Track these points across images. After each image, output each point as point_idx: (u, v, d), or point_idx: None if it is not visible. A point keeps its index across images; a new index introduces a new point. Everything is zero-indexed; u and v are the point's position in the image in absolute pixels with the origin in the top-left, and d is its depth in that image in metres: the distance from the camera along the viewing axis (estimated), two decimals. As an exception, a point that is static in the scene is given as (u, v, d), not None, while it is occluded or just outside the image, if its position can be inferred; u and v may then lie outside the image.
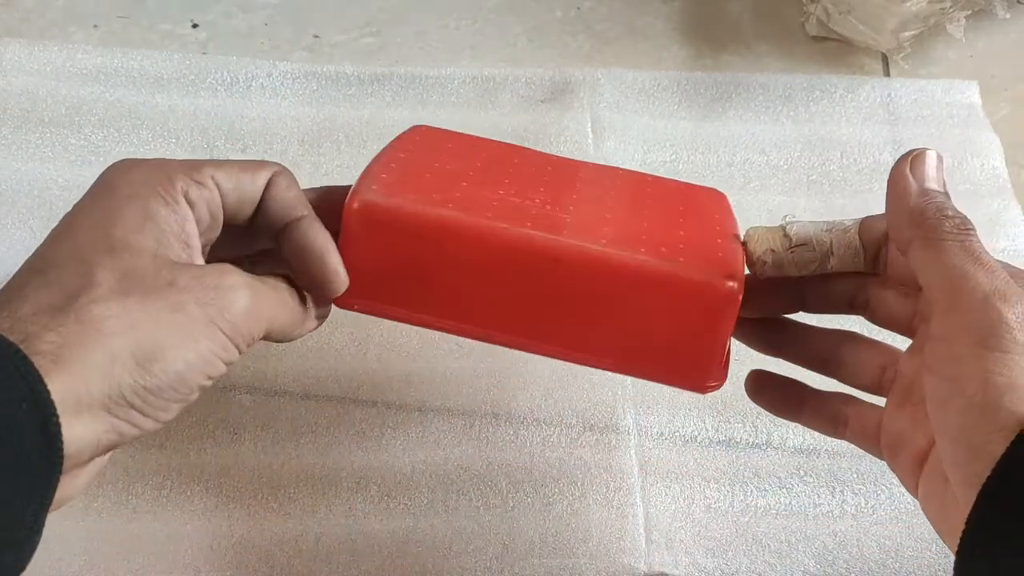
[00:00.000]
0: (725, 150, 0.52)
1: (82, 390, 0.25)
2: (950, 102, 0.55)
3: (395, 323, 0.45)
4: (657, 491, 0.43)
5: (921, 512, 0.44)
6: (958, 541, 0.26)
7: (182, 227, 0.29)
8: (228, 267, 0.29)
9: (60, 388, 0.24)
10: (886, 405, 0.33)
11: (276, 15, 0.55)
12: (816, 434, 0.45)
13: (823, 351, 0.35)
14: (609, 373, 0.45)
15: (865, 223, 0.33)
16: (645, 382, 0.45)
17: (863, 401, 0.35)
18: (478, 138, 0.38)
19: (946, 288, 0.28)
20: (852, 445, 0.45)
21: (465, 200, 0.32)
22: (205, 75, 0.51)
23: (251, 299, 0.29)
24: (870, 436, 0.34)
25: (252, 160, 0.32)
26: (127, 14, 0.54)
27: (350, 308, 0.33)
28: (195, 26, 0.54)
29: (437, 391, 0.44)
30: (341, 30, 0.55)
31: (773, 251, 0.33)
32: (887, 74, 0.57)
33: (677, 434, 0.44)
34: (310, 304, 0.32)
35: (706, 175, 0.52)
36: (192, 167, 0.30)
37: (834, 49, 0.58)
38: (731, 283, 0.31)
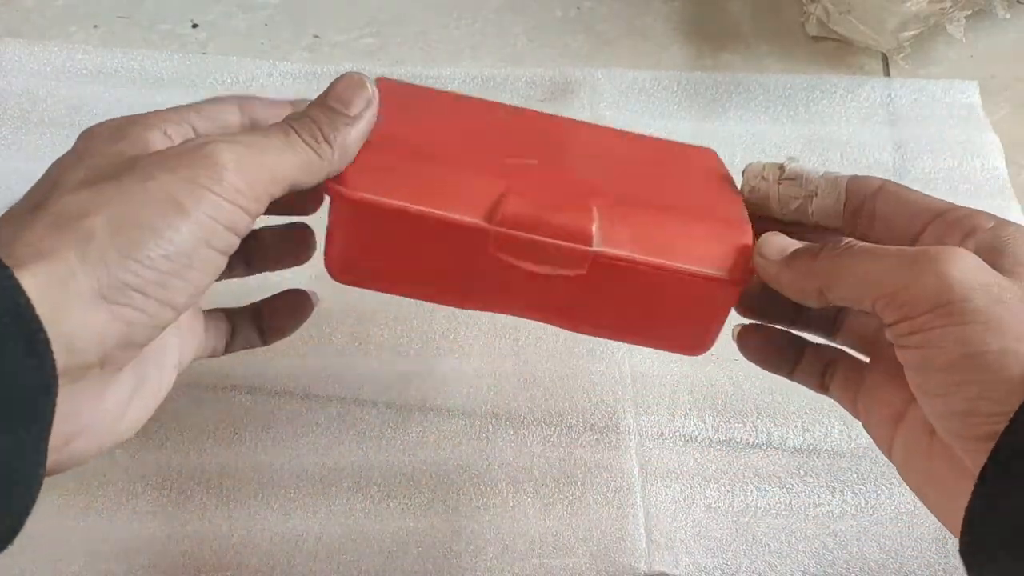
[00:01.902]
0: (725, 150, 0.52)
1: (65, 275, 0.23)
2: (950, 102, 0.55)
3: (395, 324, 0.45)
4: (657, 491, 0.43)
5: (921, 512, 0.44)
6: (967, 486, 0.25)
7: (158, 141, 0.27)
8: (200, 136, 0.28)
9: (43, 280, 0.23)
10: (870, 360, 0.33)
11: (276, 15, 0.55)
12: (816, 434, 0.45)
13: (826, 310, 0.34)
14: (610, 373, 0.45)
15: (855, 177, 0.33)
16: (645, 382, 0.45)
17: (850, 355, 0.34)
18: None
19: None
20: (852, 445, 0.45)
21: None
22: (205, 75, 0.51)
23: (235, 152, 0.26)
24: (850, 391, 0.33)
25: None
26: (127, 14, 0.54)
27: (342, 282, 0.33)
28: (195, 26, 0.54)
29: (437, 391, 0.44)
30: (341, 30, 0.55)
31: (764, 178, 0.34)
32: (887, 74, 0.57)
33: (677, 434, 0.44)
34: (326, 137, 0.29)
35: (706, 175, 0.52)
36: (165, 111, 0.29)
37: (834, 49, 0.58)
38: (738, 275, 0.31)
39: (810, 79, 0.55)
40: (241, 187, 0.26)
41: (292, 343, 0.44)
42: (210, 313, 0.35)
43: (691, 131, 0.53)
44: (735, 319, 0.35)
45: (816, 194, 0.33)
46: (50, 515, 0.40)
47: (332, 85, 0.30)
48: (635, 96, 0.53)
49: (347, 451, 0.43)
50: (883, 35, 0.55)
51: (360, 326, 0.46)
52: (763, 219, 0.34)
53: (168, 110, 0.29)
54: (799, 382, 0.35)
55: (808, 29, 0.58)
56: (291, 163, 0.27)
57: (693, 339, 0.34)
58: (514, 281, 0.31)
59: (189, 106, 0.30)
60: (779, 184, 0.34)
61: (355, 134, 0.29)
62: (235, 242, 0.27)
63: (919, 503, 0.44)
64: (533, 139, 0.34)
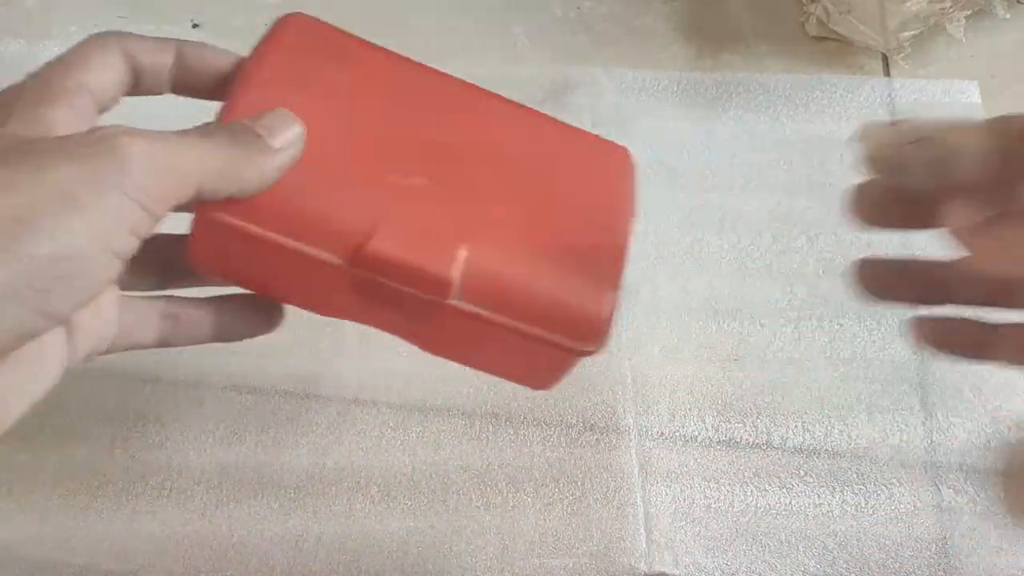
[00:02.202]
0: (725, 150, 0.53)
1: None
2: (950, 102, 0.55)
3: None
4: (657, 491, 0.43)
5: (921, 513, 0.44)
6: None
7: (60, 120, 0.25)
8: (116, 124, 0.25)
9: None
10: None
11: (277, 15, 0.55)
12: (816, 434, 0.45)
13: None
14: (610, 373, 0.45)
15: (999, 120, 0.27)
16: (645, 382, 0.45)
17: None
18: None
19: None
20: (852, 445, 0.45)
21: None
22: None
23: (145, 147, 0.23)
24: None
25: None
26: (127, 14, 0.54)
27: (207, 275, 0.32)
28: (196, 26, 0.54)
29: (437, 391, 0.44)
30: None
31: (886, 148, 0.27)
32: (887, 74, 0.57)
33: (677, 434, 0.44)
34: (244, 151, 0.26)
35: (706, 174, 0.52)
36: (55, 77, 0.26)
37: (834, 49, 0.58)
38: (590, 346, 0.30)
39: (810, 79, 0.55)
40: (148, 186, 0.23)
41: (291, 343, 0.45)
42: (137, 301, 0.31)
43: (691, 130, 0.53)
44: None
45: (957, 155, 0.26)
46: (50, 515, 0.40)
47: (260, 113, 0.28)
48: (635, 95, 0.54)
49: (347, 451, 0.43)
50: (883, 35, 0.55)
51: (360, 325, 0.45)
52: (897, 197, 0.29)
53: (58, 73, 0.26)
54: (999, 365, 0.31)
55: (808, 29, 0.58)
56: (202, 166, 0.25)
57: (540, 380, 0.35)
58: (372, 308, 0.31)
59: (73, 59, 0.26)
60: (906, 149, 0.27)
61: (274, 164, 0.27)
62: (135, 246, 0.24)
63: (919, 503, 0.44)
64: (436, 133, 0.32)
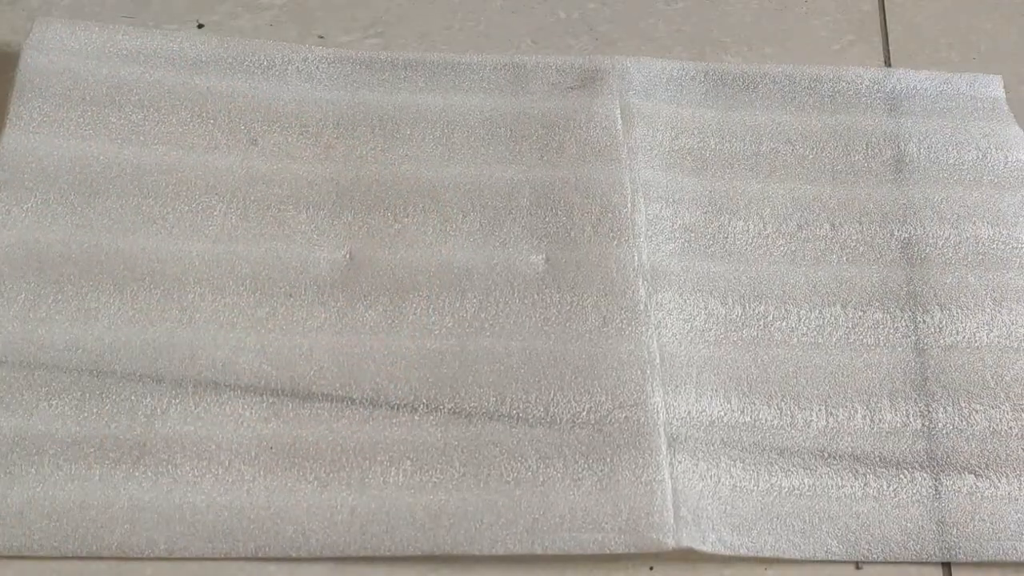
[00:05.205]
0: (751, 139, 0.53)
1: None
2: (975, 95, 0.56)
3: (427, 302, 0.46)
4: (684, 469, 0.44)
5: (943, 497, 0.45)
6: None
7: None
8: None
9: None
10: None
11: (281, 15, 0.56)
12: (840, 417, 0.46)
13: None
14: (638, 353, 0.46)
15: None
16: (673, 362, 0.46)
17: None
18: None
19: None
20: (874, 428, 0.46)
21: None
22: (242, 58, 0.52)
23: None
24: None
25: None
26: (132, 14, 0.54)
27: None
28: (200, 26, 0.54)
29: (468, 369, 0.45)
30: (346, 31, 0.56)
31: None
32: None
33: (704, 413, 0.45)
34: None
35: (732, 163, 0.52)
36: None
37: (837, 50, 0.58)
38: None
39: (837, 70, 0.56)
40: None
41: (322, 325, 0.46)
42: None
43: (718, 120, 0.54)
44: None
45: None
46: (92, 485, 0.41)
47: None
48: (663, 85, 0.54)
49: (380, 426, 0.44)
50: (882, 32, 0.56)
51: (392, 304, 0.46)
52: None
53: None
54: None
55: (810, 28, 0.58)
56: None
57: None
58: None
59: None
60: None
61: None
62: None
63: (940, 487, 0.45)
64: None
